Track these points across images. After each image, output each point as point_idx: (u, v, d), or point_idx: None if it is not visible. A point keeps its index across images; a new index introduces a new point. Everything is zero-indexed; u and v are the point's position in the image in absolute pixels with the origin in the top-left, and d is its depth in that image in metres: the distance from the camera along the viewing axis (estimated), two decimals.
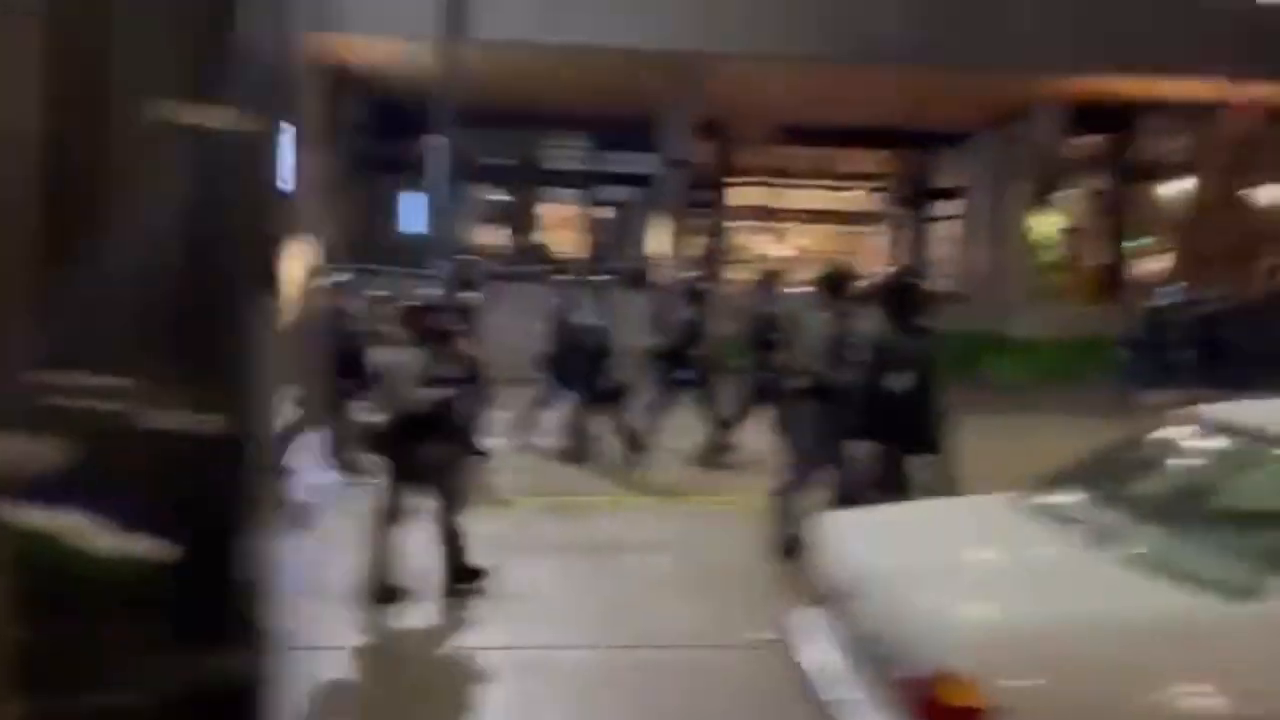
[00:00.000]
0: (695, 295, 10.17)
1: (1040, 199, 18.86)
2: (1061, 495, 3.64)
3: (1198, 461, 3.53)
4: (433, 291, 7.57)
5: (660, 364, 10.02)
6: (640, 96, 18.31)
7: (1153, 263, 18.53)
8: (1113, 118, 18.78)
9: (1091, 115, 18.47)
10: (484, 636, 5.99)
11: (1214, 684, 2.49)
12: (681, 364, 9.88)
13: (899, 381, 5.00)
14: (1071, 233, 19.48)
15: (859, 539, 3.69)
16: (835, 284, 7.21)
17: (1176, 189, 18.16)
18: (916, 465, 5.30)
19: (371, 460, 6.38)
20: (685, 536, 7.94)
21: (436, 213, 13.62)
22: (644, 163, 20.51)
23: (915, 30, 16.09)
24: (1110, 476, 3.64)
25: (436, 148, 13.48)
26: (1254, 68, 15.59)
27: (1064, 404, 13.60)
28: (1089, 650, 2.54)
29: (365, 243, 18.89)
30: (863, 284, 7.78)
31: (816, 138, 21.78)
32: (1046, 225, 18.88)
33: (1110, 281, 19.58)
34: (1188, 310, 13.48)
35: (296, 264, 16.63)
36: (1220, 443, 3.42)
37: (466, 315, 8.78)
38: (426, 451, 6.05)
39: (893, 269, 19.00)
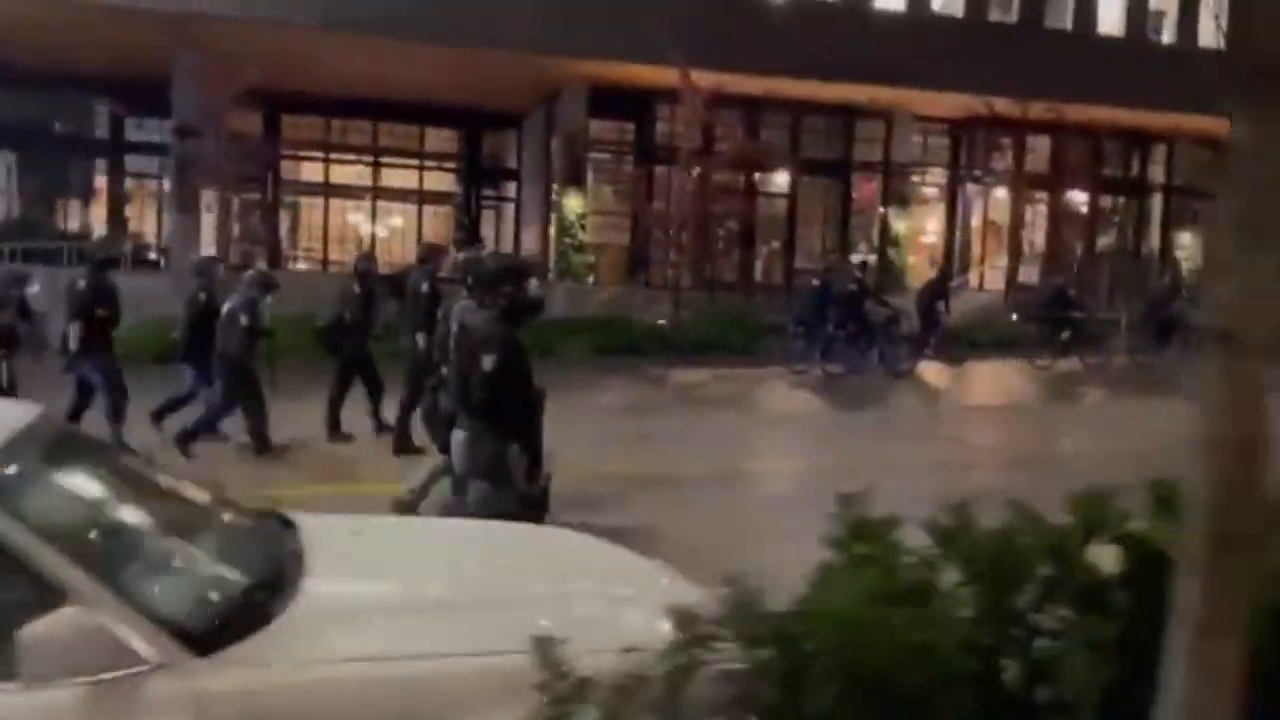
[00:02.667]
0: (364, 275, 9.70)
1: (569, 181, 19.31)
2: None
3: None
4: None
5: (335, 344, 9.51)
6: (153, 60, 17.15)
7: (671, 245, 18.92)
8: (634, 104, 19.37)
9: (615, 101, 19.04)
10: None
11: None
12: (352, 343, 9.44)
13: (487, 361, 5.00)
14: (596, 214, 19.95)
15: None
16: (475, 269, 6.78)
17: (686, 174, 18.35)
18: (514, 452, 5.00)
19: None
20: None
21: None
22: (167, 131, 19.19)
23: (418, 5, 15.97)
24: None
25: None
26: (710, 56, 16.21)
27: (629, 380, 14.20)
28: None
29: None
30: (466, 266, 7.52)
31: (373, 113, 21.39)
32: (574, 206, 19.37)
33: (633, 262, 20.27)
34: (838, 291, 14.76)
35: None
36: None
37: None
38: None
39: (481, 249, 17.90)
